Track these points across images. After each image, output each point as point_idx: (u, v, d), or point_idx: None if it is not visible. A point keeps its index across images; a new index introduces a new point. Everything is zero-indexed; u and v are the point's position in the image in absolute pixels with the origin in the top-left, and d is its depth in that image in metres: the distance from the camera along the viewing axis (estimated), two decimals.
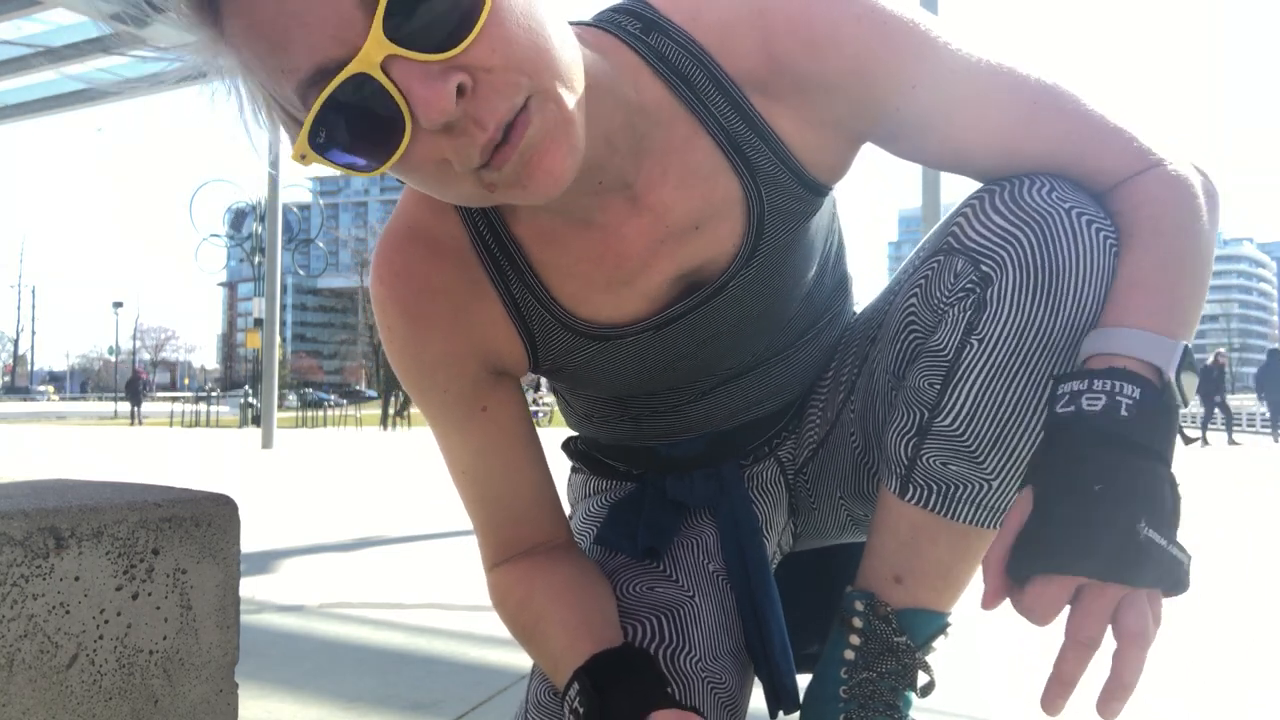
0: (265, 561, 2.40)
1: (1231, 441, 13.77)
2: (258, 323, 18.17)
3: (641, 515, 0.96)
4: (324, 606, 1.90)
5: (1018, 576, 0.63)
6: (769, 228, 0.82)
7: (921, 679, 0.82)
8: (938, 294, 0.78)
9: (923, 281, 0.81)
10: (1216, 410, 14.63)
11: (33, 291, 73.91)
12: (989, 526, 0.78)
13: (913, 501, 0.79)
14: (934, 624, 0.81)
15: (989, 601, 0.65)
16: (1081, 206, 0.72)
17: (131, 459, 7.38)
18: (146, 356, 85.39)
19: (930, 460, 0.77)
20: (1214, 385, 14.83)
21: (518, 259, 0.83)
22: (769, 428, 1.00)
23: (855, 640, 0.82)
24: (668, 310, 0.84)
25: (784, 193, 0.81)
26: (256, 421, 14.76)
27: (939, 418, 0.76)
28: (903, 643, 0.80)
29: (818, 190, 0.82)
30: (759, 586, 0.91)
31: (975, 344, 0.74)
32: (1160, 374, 0.65)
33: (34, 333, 70.82)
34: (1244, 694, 1.39)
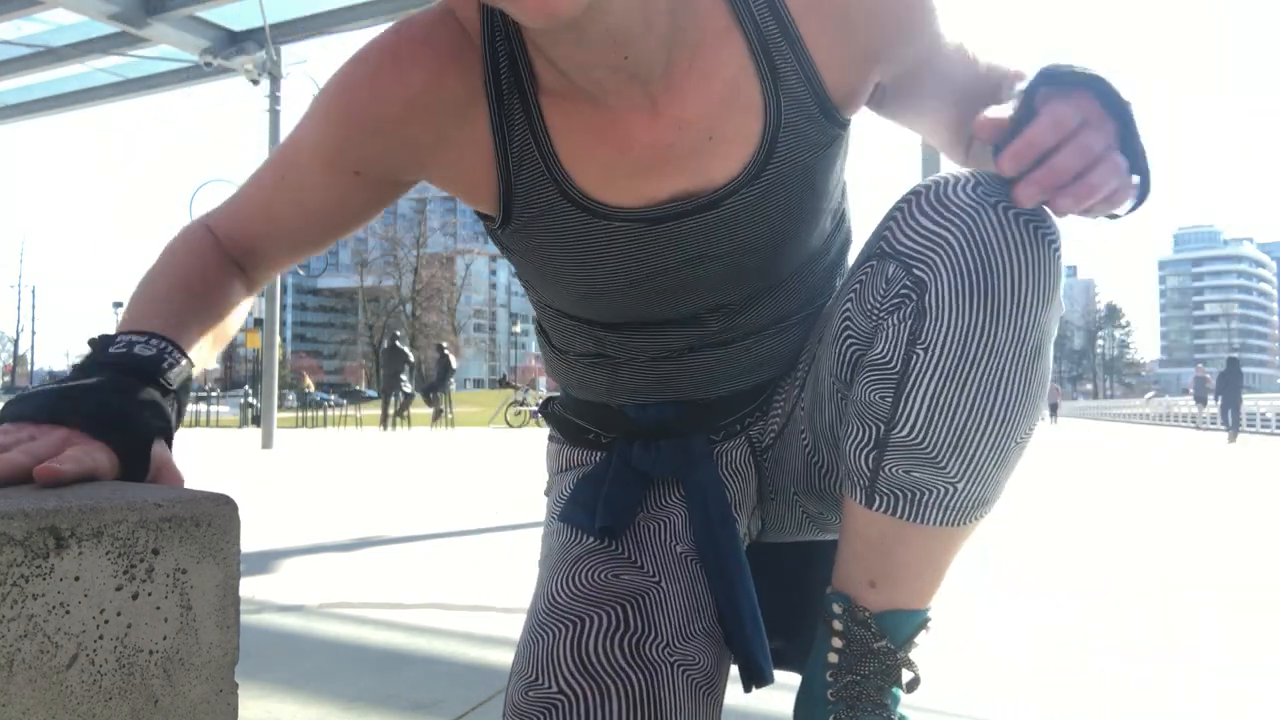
0: (265, 561, 2.40)
1: (1233, 440, 14.66)
2: (258, 323, 18.16)
3: (601, 492, 0.94)
4: (324, 606, 1.90)
5: (1026, 103, 0.69)
6: (781, 147, 0.82)
7: (906, 676, 0.83)
8: (872, 300, 0.78)
9: (857, 287, 0.81)
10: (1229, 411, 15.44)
11: (33, 291, 73.98)
12: (958, 526, 0.79)
13: (880, 511, 0.79)
14: (913, 622, 0.82)
15: (992, 125, 0.70)
16: (1008, 200, 0.72)
17: None
18: None
19: (892, 470, 0.78)
20: (1234, 387, 16.20)
21: (530, 101, 0.82)
22: (743, 405, 0.98)
23: (838, 643, 0.83)
24: (662, 206, 0.83)
25: (802, 111, 0.82)
26: (256, 421, 14.76)
27: (895, 430, 0.76)
28: (883, 645, 0.81)
29: (833, 117, 0.83)
30: (728, 555, 0.90)
31: (921, 354, 0.74)
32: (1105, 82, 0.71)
33: (34, 333, 70.83)
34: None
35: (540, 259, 0.89)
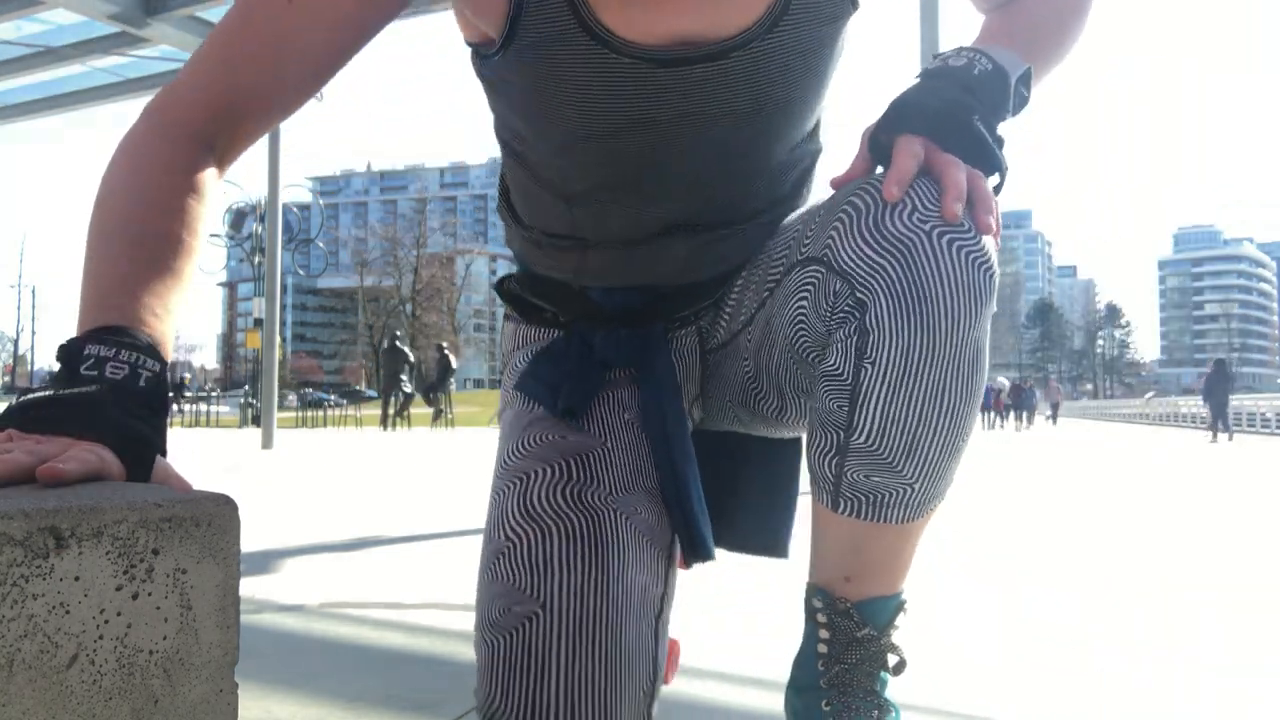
0: (265, 561, 2.41)
1: (1214, 440, 15.43)
2: (258, 323, 18.16)
3: (563, 371, 0.98)
4: (324, 606, 1.90)
5: (886, 139, 0.81)
6: (795, 6, 0.86)
7: (892, 660, 0.88)
8: (823, 307, 0.83)
9: (810, 289, 0.85)
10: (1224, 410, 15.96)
11: (33, 291, 73.97)
12: (924, 511, 0.85)
13: (845, 514, 0.85)
14: (890, 607, 0.88)
15: (857, 169, 0.84)
16: (943, 226, 0.77)
17: None
18: None
19: (854, 475, 0.83)
20: (1221, 388, 16.98)
21: None
22: (701, 298, 1.02)
23: (825, 635, 0.88)
24: (671, 49, 0.85)
25: None
26: (256, 421, 14.76)
27: (853, 436, 0.81)
28: (867, 633, 0.87)
29: None
30: (675, 435, 0.94)
31: (869, 367, 0.79)
32: (1001, 65, 0.83)
33: (34, 333, 70.79)
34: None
35: (534, 90, 0.89)
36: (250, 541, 2.47)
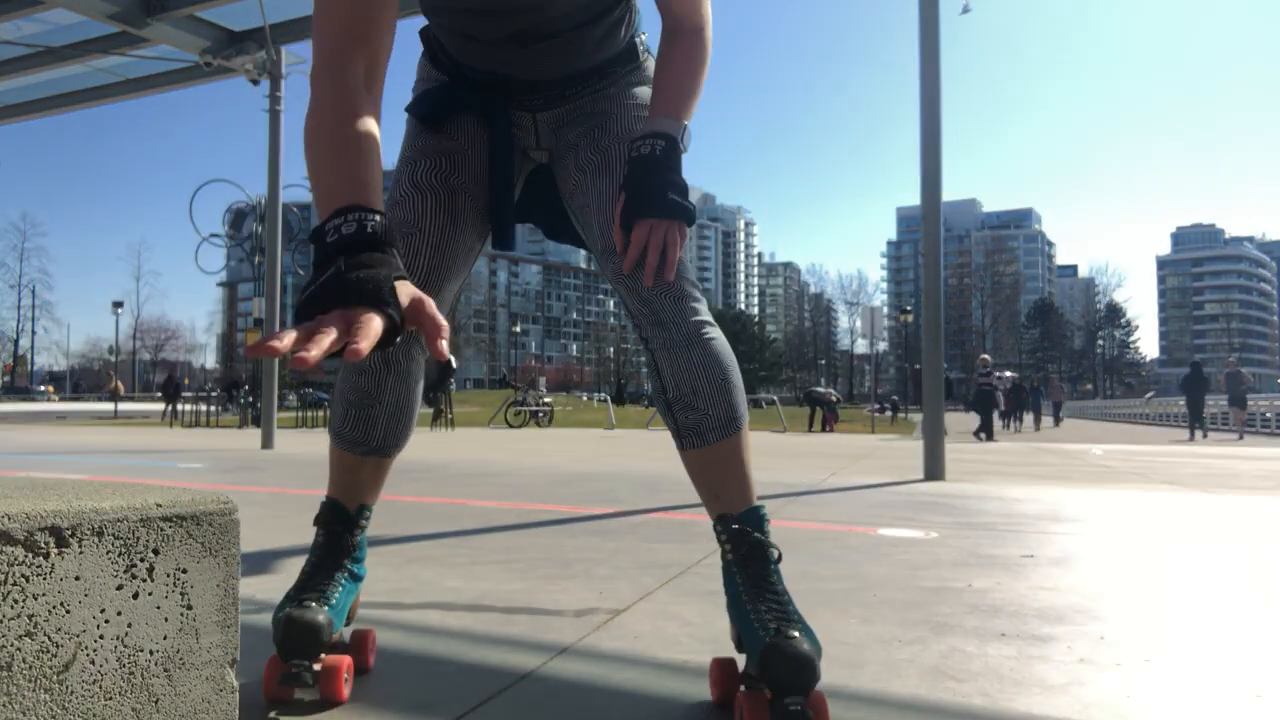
0: (265, 561, 2.40)
1: (1191, 439, 16.48)
2: (257, 323, 18.16)
3: (433, 100, 1.49)
4: None
5: (625, 227, 1.32)
6: None
7: (775, 553, 1.28)
8: (635, 317, 1.37)
9: (640, 298, 1.34)
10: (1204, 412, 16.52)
11: (33, 291, 73.91)
12: (730, 436, 1.33)
13: (689, 449, 1.35)
14: (759, 513, 1.31)
15: (623, 252, 1.33)
16: (676, 299, 1.34)
17: (133, 459, 7.38)
18: (146, 356, 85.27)
19: (680, 419, 1.35)
20: (1197, 390, 18.35)
21: None
22: (541, 91, 1.49)
23: (728, 548, 1.29)
24: None
25: None
26: (256, 421, 14.75)
27: (668, 394, 1.35)
28: (754, 535, 1.28)
29: None
30: (499, 160, 1.47)
31: (656, 353, 1.36)
32: (675, 137, 1.35)
33: (34, 333, 70.75)
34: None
35: None
36: (250, 541, 2.47)
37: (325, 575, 1.36)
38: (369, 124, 1.15)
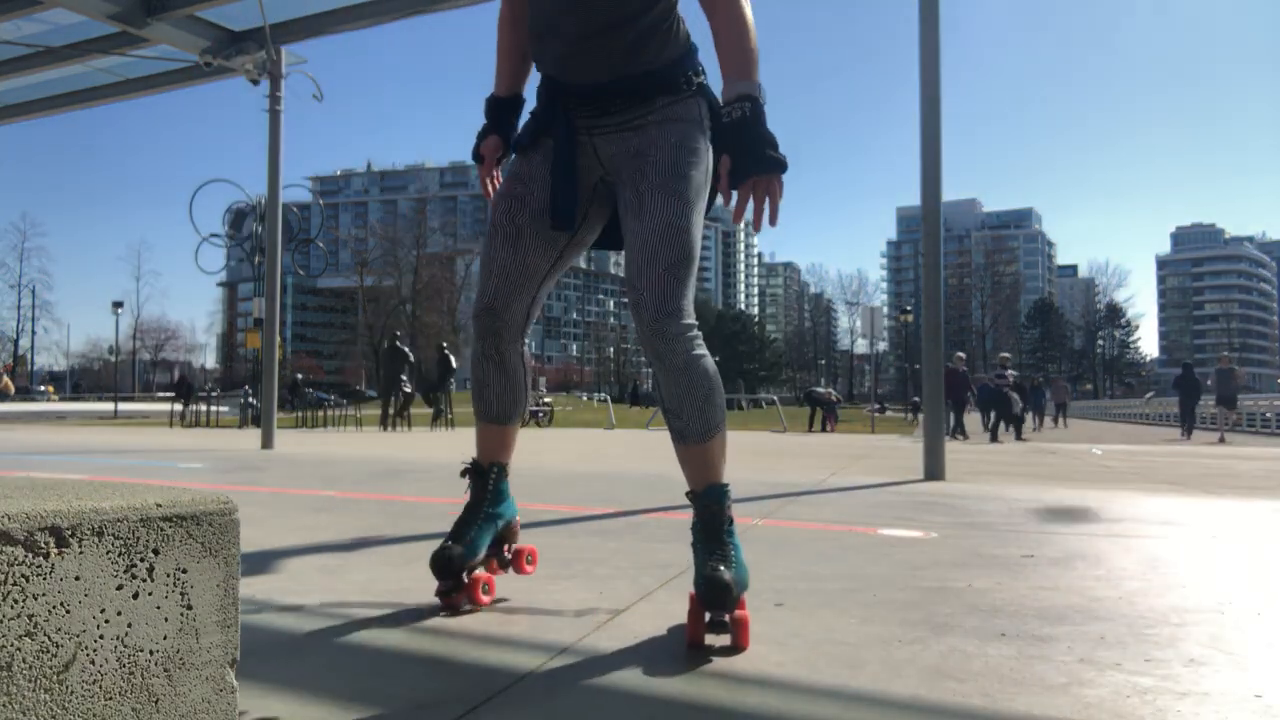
0: (265, 561, 2.40)
1: (1182, 437, 17.13)
2: (257, 323, 18.14)
3: (525, 131, 1.90)
4: (324, 606, 1.90)
5: (735, 185, 1.59)
6: None
7: (727, 520, 1.67)
8: (642, 345, 1.71)
9: (643, 338, 1.68)
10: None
11: (33, 291, 73.90)
12: (705, 442, 1.70)
13: (677, 444, 1.74)
14: (722, 489, 1.70)
15: (726, 199, 1.61)
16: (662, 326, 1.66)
17: (133, 459, 7.38)
18: (146, 356, 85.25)
19: (671, 423, 1.73)
20: (1189, 392, 18.93)
21: None
22: (588, 100, 1.80)
23: (697, 513, 1.70)
24: None
25: None
26: (256, 421, 14.75)
27: (665, 404, 1.73)
28: (715, 507, 1.68)
29: None
30: (562, 159, 1.79)
31: (659, 374, 1.72)
32: (754, 96, 1.60)
33: (34, 333, 70.78)
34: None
35: None
36: (250, 541, 2.47)
37: (466, 519, 1.85)
38: (522, 40, 1.93)
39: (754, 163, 1.55)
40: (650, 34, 1.72)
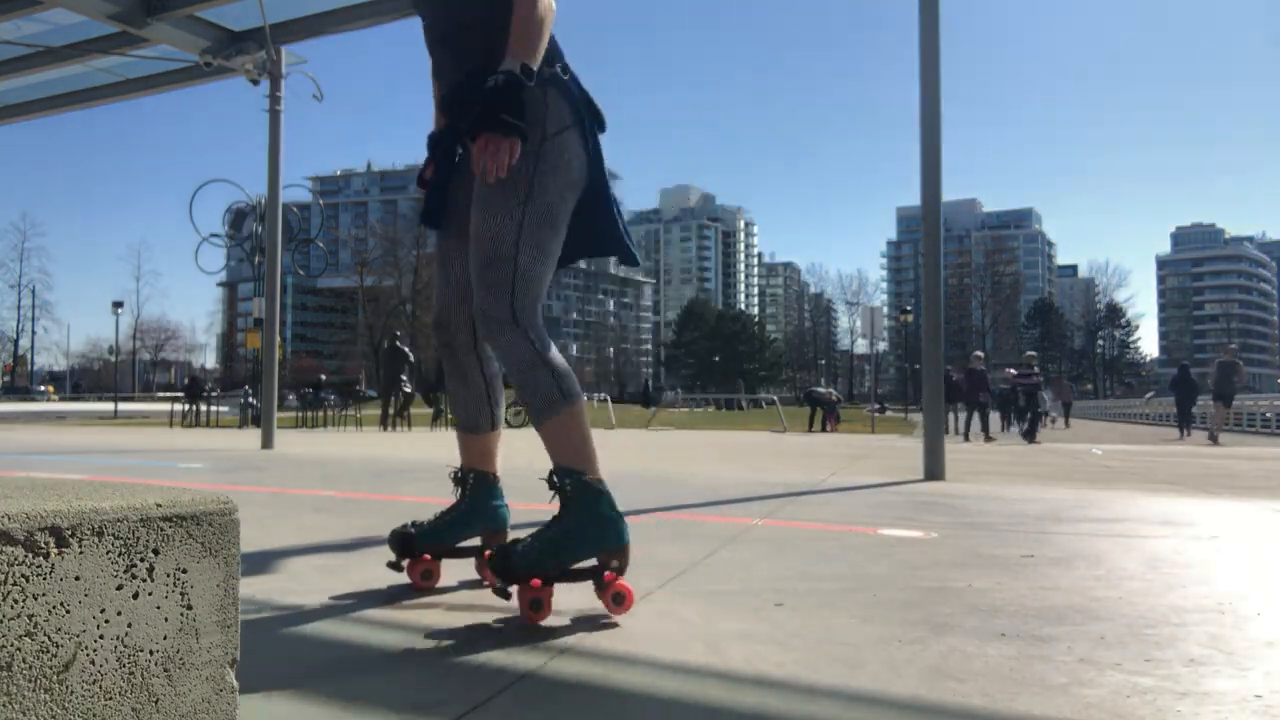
0: (265, 561, 2.40)
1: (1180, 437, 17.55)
2: (257, 323, 18.14)
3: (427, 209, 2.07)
4: (324, 606, 1.90)
5: (472, 139, 1.78)
6: None
7: (578, 504, 1.82)
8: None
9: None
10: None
11: (33, 291, 73.90)
12: (547, 419, 1.83)
13: (535, 427, 1.86)
14: (578, 474, 1.82)
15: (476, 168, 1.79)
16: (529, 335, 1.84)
17: (133, 459, 7.38)
18: (146, 356, 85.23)
19: (524, 405, 1.86)
20: (1186, 392, 19.16)
21: None
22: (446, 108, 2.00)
23: (557, 499, 1.83)
24: None
25: None
26: (256, 421, 14.75)
27: (521, 399, 1.85)
28: (569, 482, 1.83)
29: None
30: (437, 165, 2.05)
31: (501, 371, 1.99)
32: (512, 71, 1.77)
33: (34, 333, 70.81)
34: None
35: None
36: (250, 541, 2.47)
37: (444, 513, 2.06)
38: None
39: (482, 122, 1.74)
40: (486, 42, 1.89)
